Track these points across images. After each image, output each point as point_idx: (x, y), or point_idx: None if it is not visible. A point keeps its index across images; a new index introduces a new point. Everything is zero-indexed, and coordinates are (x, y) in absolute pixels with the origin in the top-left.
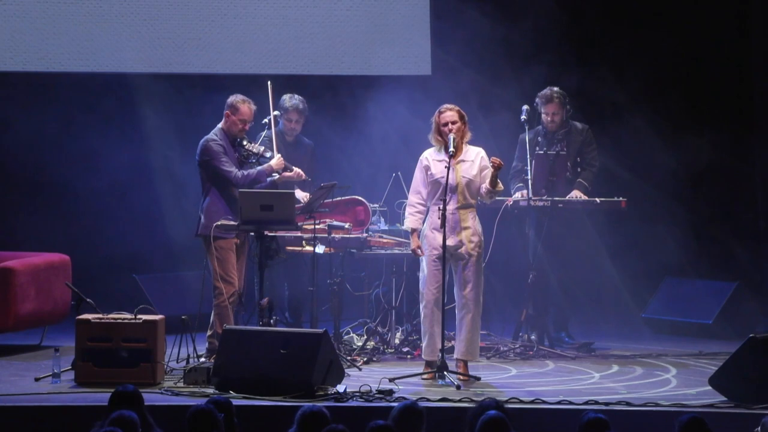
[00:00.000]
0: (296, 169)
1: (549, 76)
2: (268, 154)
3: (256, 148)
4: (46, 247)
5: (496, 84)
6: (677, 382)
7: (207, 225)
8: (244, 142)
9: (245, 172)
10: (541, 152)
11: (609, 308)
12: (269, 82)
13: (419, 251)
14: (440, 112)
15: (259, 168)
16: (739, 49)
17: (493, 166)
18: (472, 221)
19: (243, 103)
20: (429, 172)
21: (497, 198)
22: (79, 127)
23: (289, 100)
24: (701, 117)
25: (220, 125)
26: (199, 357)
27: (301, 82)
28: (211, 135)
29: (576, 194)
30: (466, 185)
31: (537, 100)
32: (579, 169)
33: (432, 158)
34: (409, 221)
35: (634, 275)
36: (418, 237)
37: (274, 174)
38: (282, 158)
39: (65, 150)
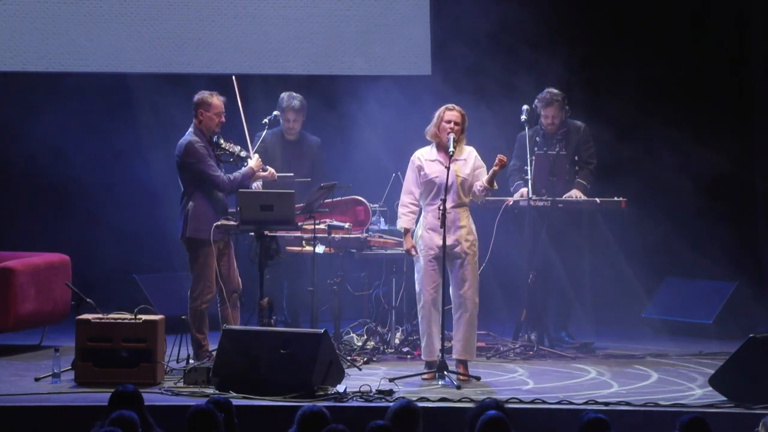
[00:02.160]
0: (270, 169)
1: (549, 76)
2: (243, 154)
3: (232, 147)
4: (46, 247)
5: (496, 84)
6: (677, 382)
7: (194, 228)
8: (221, 142)
9: (231, 177)
10: (541, 152)
11: (609, 308)
12: (233, 77)
13: (413, 251)
14: (447, 109)
15: (243, 171)
16: (739, 49)
17: (498, 164)
18: (467, 220)
19: (212, 97)
20: (422, 172)
21: (497, 198)
22: (78, 127)
23: (287, 99)
24: (702, 117)
25: (193, 125)
26: (187, 360)
27: (301, 82)
28: (191, 137)
29: (575, 194)
30: (461, 184)
31: (536, 102)
32: (576, 168)
33: (425, 158)
34: (403, 221)
35: (634, 275)
36: (412, 237)
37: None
38: (259, 158)
39: (64, 150)
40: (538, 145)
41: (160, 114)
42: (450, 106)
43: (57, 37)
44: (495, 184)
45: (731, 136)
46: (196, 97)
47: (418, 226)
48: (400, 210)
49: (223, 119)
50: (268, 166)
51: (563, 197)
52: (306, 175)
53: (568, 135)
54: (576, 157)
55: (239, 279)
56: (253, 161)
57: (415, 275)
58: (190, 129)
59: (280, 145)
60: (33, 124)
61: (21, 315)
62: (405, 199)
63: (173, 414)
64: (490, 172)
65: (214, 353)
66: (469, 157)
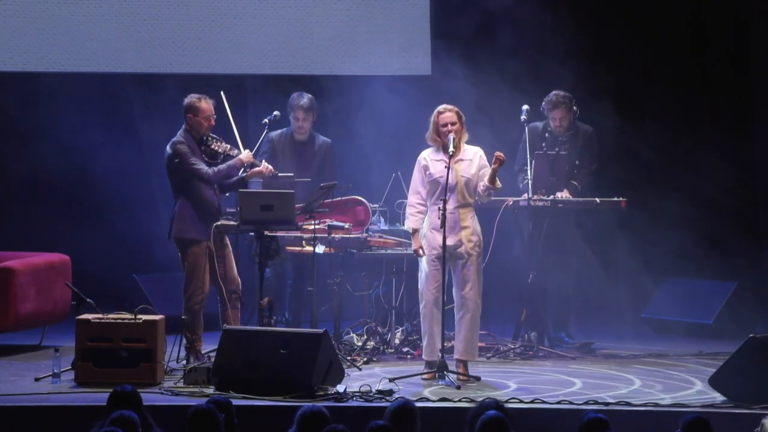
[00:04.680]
0: (265, 164)
1: (549, 75)
2: (234, 152)
3: (222, 147)
4: (46, 247)
5: (496, 84)
6: (677, 382)
7: (179, 228)
8: (210, 141)
9: (215, 168)
10: (541, 152)
11: (609, 308)
12: (222, 93)
13: (421, 251)
14: (439, 113)
15: (229, 162)
16: (739, 47)
17: (496, 162)
18: (471, 221)
19: (200, 101)
20: (428, 172)
21: (497, 198)
22: (77, 126)
23: (297, 98)
24: (701, 116)
25: (183, 128)
26: (187, 360)
27: (302, 82)
28: (177, 138)
29: (563, 194)
30: (465, 184)
31: (543, 105)
32: (575, 171)
33: (430, 158)
34: (410, 222)
35: (634, 275)
36: (419, 237)
37: (244, 169)
38: (250, 153)
39: (64, 150)
40: (546, 141)
41: (159, 114)
42: (441, 108)
43: (57, 37)
44: (498, 182)
45: (731, 136)
46: (185, 101)
47: (423, 226)
48: (408, 210)
49: (213, 122)
50: (263, 161)
51: (552, 197)
52: (314, 176)
53: (575, 137)
54: (577, 161)
55: (239, 279)
56: (244, 154)
57: (419, 274)
58: (179, 132)
59: (290, 146)
60: (31, 124)
61: (21, 315)
62: (412, 199)
63: (173, 414)
64: (491, 170)
65: (206, 355)
66: (474, 158)
